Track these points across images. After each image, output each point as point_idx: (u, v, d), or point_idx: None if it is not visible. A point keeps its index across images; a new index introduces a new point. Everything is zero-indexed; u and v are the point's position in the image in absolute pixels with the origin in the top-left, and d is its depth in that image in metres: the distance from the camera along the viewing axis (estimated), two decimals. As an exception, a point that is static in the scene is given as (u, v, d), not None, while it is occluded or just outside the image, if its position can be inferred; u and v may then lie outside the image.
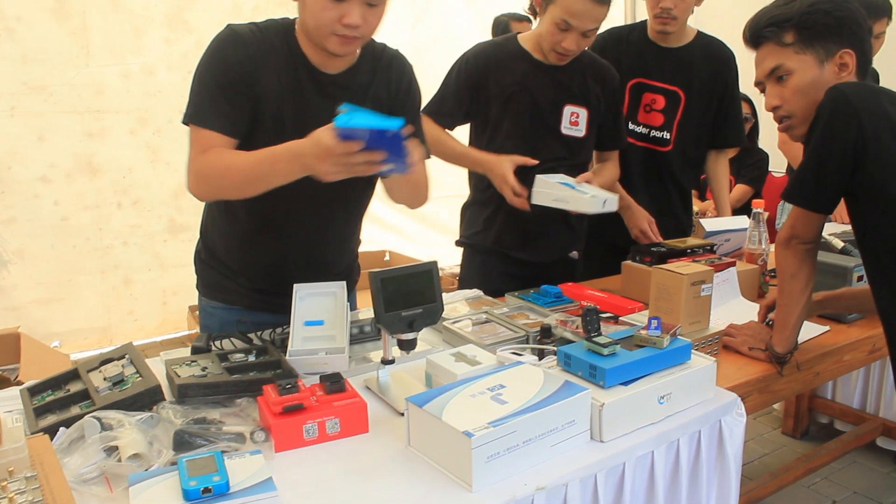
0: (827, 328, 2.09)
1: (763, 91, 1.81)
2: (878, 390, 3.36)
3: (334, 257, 2.05)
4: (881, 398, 3.34)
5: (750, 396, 1.77)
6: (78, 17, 4.06)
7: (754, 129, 4.52)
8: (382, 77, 1.90)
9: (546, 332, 1.81)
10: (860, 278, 2.27)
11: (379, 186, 1.94)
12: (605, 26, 2.93)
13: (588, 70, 2.45)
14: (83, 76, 4.12)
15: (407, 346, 1.61)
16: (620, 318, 1.98)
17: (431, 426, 1.34)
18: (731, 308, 2.23)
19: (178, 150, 1.71)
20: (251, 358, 1.72)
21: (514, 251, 2.52)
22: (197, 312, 2.12)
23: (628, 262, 2.40)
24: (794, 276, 1.78)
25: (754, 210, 2.52)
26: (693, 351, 1.62)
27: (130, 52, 4.22)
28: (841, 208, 2.66)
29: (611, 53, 2.68)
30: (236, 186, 1.71)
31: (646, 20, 2.74)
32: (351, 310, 1.99)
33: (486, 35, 2.60)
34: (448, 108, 2.45)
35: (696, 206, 3.72)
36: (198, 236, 2.10)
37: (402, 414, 1.44)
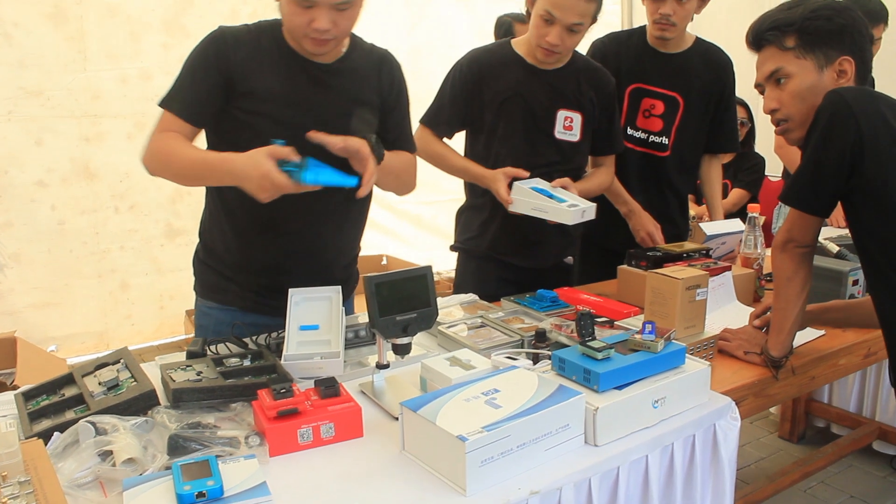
0: (822, 332, 2.09)
1: (763, 93, 1.82)
2: (874, 394, 3.36)
3: (332, 259, 2.06)
4: (877, 402, 3.34)
5: (745, 400, 1.77)
6: (75, 21, 4.07)
7: (750, 134, 4.53)
8: (374, 71, 1.96)
9: (541, 337, 1.81)
10: (855, 282, 2.28)
11: (376, 189, 1.95)
12: (602, 31, 2.95)
13: (582, 74, 2.45)
14: (80, 81, 4.12)
15: (401, 350, 1.61)
16: (616, 323, 1.98)
17: (426, 430, 1.34)
18: (727, 312, 2.23)
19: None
20: (246, 362, 1.72)
21: (509, 257, 2.52)
22: (194, 316, 2.12)
23: (624, 266, 2.41)
24: (790, 280, 1.79)
25: (750, 214, 2.53)
26: (687, 355, 1.62)
27: (127, 57, 4.23)
28: (836, 212, 2.66)
29: (610, 58, 2.69)
30: (176, 175, 1.85)
31: (644, 26, 2.75)
32: (347, 315, 1.99)
33: (483, 39, 2.60)
34: (444, 116, 2.46)
35: (693, 210, 3.72)
36: (195, 240, 2.11)
37: (397, 418, 1.44)
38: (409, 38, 5.20)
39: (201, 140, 1.93)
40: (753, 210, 2.55)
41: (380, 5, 5.04)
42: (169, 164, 1.83)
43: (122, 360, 1.67)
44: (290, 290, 1.84)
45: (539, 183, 2.28)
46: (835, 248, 2.46)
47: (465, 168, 2.43)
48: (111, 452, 1.31)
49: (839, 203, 1.70)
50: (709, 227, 2.67)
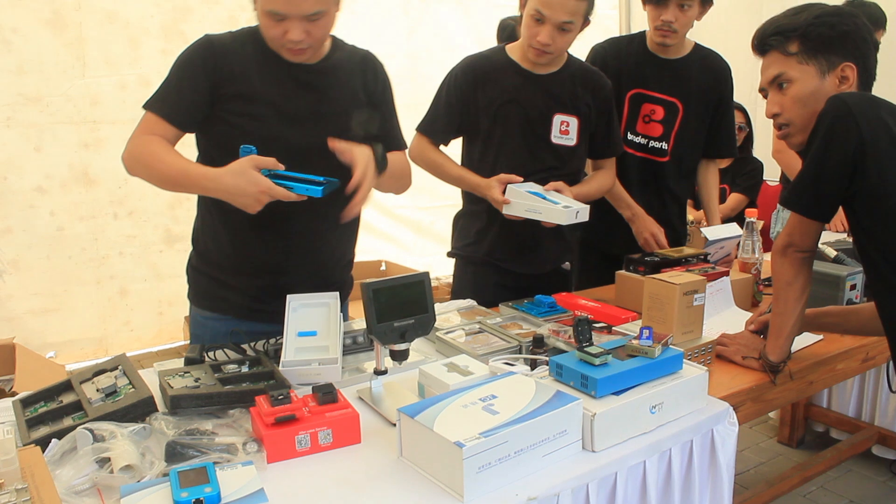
0: (820, 337, 2.09)
1: (766, 97, 1.82)
2: (873, 398, 3.36)
3: (329, 259, 2.06)
4: (876, 406, 3.34)
5: (743, 405, 1.77)
6: (74, 28, 4.08)
7: (748, 139, 4.54)
8: (358, 70, 2.01)
9: (538, 342, 1.81)
10: (853, 287, 2.28)
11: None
12: (600, 36, 2.95)
13: (578, 78, 2.46)
14: (79, 87, 4.13)
15: (399, 356, 1.62)
16: (614, 328, 1.98)
17: (423, 437, 1.34)
18: (725, 317, 2.23)
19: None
20: (244, 369, 1.72)
21: (506, 263, 2.52)
22: (188, 325, 2.12)
23: (622, 271, 2.41)
24: (790, 285, 1.79)
25: (747, 219, 2.53)
26: (685, 360, 1.62)
27: (126, 64, 4.23)
28: (835, 216, 2.67)
29: (611, 63, 2.70)
30: (156, 179, 1.88)
31: (644, 31, 2.76)
32: (343, 320, 1.99)
33: (481, 44, 2.60)
34: (440, 124, 2.46)
35: (691, 215, 3.73)
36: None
37: (395, 424, 1.44)
38: (408, 44, 5.22)
39: (189, 145, 1.95)
40: (751, 215, 2.55)
41: (378, 11, 5.06)
42: (150, 168, 1.86)
43: (120, 367, 1.67)
44: (287, 296, 1.84)
45: (533, 186, 2.28)
46: (833, 253, 2.46)
47: (461, 177, 2.44)
48: (109, 459, 1.31)
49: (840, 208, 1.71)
50: (710, 232, 2.68)
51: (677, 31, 2.61)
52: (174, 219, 4.51)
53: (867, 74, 1.74)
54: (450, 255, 2.65)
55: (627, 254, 2.47)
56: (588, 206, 2.27)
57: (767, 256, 2.60)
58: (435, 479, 1.32)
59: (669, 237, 2.79)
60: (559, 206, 2.21)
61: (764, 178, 4.57)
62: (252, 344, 1.90)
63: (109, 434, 1.36)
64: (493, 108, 2.40)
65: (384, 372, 1.66)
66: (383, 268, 5.20)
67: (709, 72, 2.78)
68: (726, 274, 2.33)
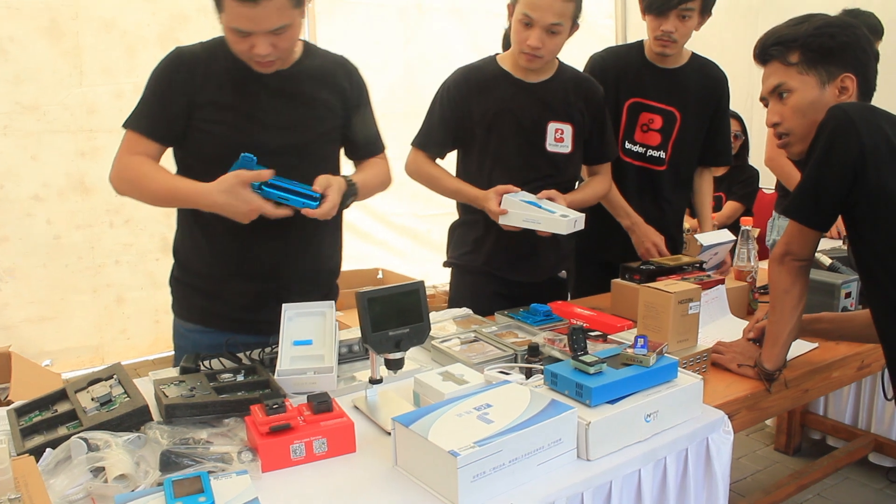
0: (815, 345, 2.10)
1: (767, 106, 1.84)
2: (869, 406, 3.36)
3: (310, 269, 2.06)
4: (873, 413, 3.34)
5: (738, 414, 1.77)
6: (71, 37, 4.09)
7: (744, 147, 4.55)
8: (332, 75, 2.02)
9: (534, 351, 1.81)
10: (848, 295, 2.28)
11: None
12: (596, 45, 2.96)
13: (570, 85, 2.46)
14: (76, 96, 4.14)
15: (394, 365, 1.62)
16: (609, 337, 1.98)
17: (418, 446, 1.34)
18: (721, 325, 2.23)
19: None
20: (240, 377, 1.72)
21: (504, 272, 2.51)
22: (172, 338, 2.11)
23: (617, 280, 2.41)
24: (786, 293, 1.79)
25: (742, 227, 2.54)
26: (680, 369, 1.62)
27: (123, 72, 4.24)
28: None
29: (610, 73, 2.71)
30: (147, 198, 1.93)
31: (643, 41, 2.77)
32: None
33: (478, 53, 2.61)
34: (436, 138, 2.47)
35: (687, 222, 3.73)
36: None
37: (390, 433, 1.44)
38: (404, 53, 5.23)
39: (166, 155, 1.97)
40: (746, 223, 2.56)
41: (375, 20, 5.08)
42: (140, 188, 1.91)
43: (115, 376, 1.67)
44: (283, 304, 1.84)
45: (526, 195, 2.28)
46: (828, 261, 2.46)
47: (459, 190, 2.44)
48: (103, 468, 1.30)
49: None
50: (704, 238, 2.69)
51: (677, 41, 2.61)
52: (171, 227, 4.42)
53: (867, 85, 1.75)
54: (446, 264, 2.64)
55: (623, 262, 2.47)
56: (584, 215, 2.27)
57: (763, 264, 2.61)
58: (430, 487, 1.32)
59: (667, 245, 2.79)
60: (557, 216, 2.21)
61: (760, 186, 4.58)
62: (247, 353, 1.90)
63: (104, 443, 1.36)
64: (487, 119, 2.40)
65: (379, 381, 1.66)
66: (380, 276, 5.20)
67: (706, 81, 2.79)
68: (722, 282, 2.33)
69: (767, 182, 4.52)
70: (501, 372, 1.69)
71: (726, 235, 2.71)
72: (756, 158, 4.57)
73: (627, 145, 2.76)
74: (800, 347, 2.05)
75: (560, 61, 2.48)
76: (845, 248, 2.61)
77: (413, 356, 1.91)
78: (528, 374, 1.73)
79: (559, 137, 2.44)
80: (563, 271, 2.67)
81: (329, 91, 2.00)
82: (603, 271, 2.69)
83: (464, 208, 2.55)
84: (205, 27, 4.27)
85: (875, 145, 1.58)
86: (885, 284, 1.66)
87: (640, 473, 1.48)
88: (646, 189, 2.81)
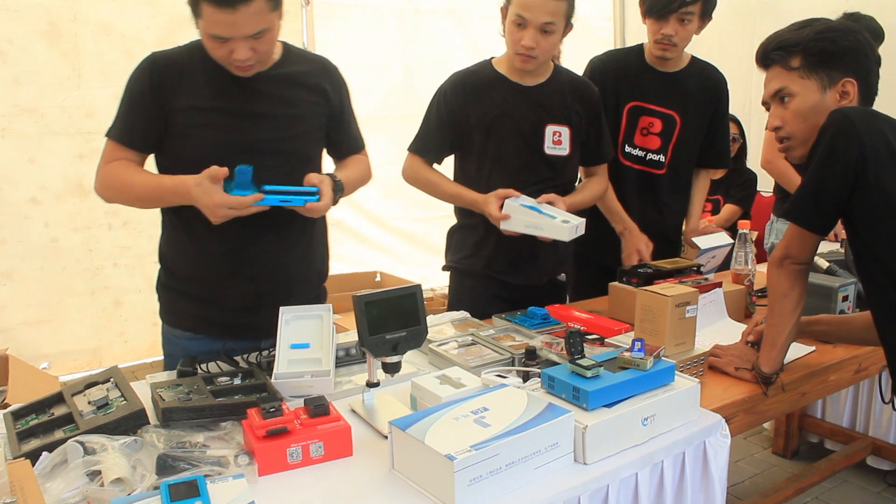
0: (813, 348, 2.10)
1: (768, 110, 1.84)
2: (867, 409, 3.36)
3: (295, 273, 2.05)
4: (871, 417, 3.34)
5: (736, 417, 1.77)
6: (70, 39, 4.08)
7: (742, 150, 4.55)
8: (312, 75, 2.01)
9: (531, 355, 1.81)
10: (845, 298, 2.28)
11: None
12: (595, 49, 2.96)
13: (566, 87, 2.47)
14: (74, 98, 4.13)
15: (391, 368, 1.62)
16: (606, 340, 1.98)
17: (415, 449, 1.34)
18: (718, 329, 2.23)
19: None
20: (237, 381, 1.72)
21: (504, 275, 2.51)
22: (161, 345, 2.11)
23: (615, 283, 2.41)
24: (785, 296, 1.80)
25: (740, 231, 2.54)
26: (677, 372, 1.62)
27: (122, 75, 4.13)
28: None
29: (610, 76, 2.72)
30: (134, 201, 1.96)
31: (642, 44, 2.77)
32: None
33: (477, 56, 2.61)
34: (433, 143, 2.47)
35: (686, 225, 3.73)
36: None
37: (387, 437, 1.44)
38: (402, 56, 5.23)
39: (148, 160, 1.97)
40: (744, 226, 2.56)
41: (372, 23, 5.07)
42: (125, 192, 1.92)
43: (111, 379, 1.67)
44: (280, 308, 1.84)
45: (527, 200, 2.28)
46: (825, 264, 2.47)
47: (458, 194, 2.43)
48: (100, 472, 1.30)
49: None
50: (701, 241, 2.69)
51: (677, 45, 2.62)
52: (168, 230, 4.50)
53: (868, 90, 1.75)
54: (445, 268, 2.64)
55: (621, 265, 2.47)
56: (584, 220, 2.28)
57: (760, 267, 2.61)
58: (426, 491, 1.32)
59: (665, 249, 2.79)
60: (559, 221, 2.20)
61: (758, 189, 4.58)
62: (245, 356, 1.89)
63: (100, 447, 1.36)
64: (485, 123, 2.40)
65: (376, 384, 1.66)
66: (378, 279, 5.19)
67: (706, 84, 2.80)
68: (719, 285, 2.33)
69: (765, 185, 4.52)
70: (499, 375, 1.69)
71: (723, 238, 2.71)
72: (754, 161, 4.56)
73: (627, 149, 2.76)
74: (797, 351, 2.05)
75: (555, 64, 2.49)
76: (842, 251, 2.62)
77: (410, 359, 1.91)
78: (526, 377, 1.73)
79: (557, 140, 2.44)
80: (563, 274, 2.67)
81: (310, 91, 2.00)
82: (601, 274, 2.69)
83: (462, 212, 2.55)
84: (203, 30, 4.30)
85: (876, 149, 1.58)
86: (885, 287, 1.66)
87: (637, 477, 1.48)
88: (645, 192, 2.81)
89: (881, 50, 1.90)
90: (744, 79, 4.46)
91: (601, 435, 1.44)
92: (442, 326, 2.21)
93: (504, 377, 1.69)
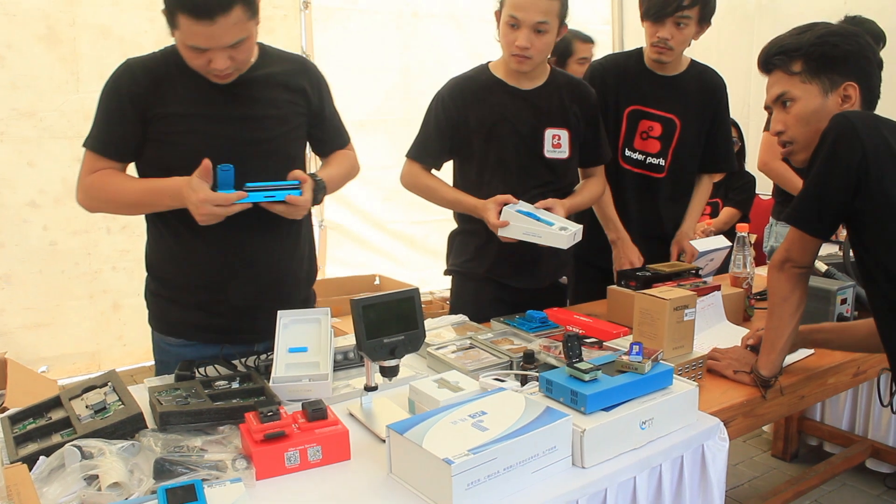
0: (811, 351, 2.10)
1: (771, 115, 1.84)
2: (866, 412, 3.36)
3: (283, 276, 2.04)
4: (870, 420, 3.34)
5: (734, 420, 1.77)
6: (68, 43, 4.09)
7: (741, 153, 4.55)
8: (290, 75, 2.00)
9: (529, 358, 1.81)
10: (843, 301, 2.28)
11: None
12: (595, 52, 2.96)
13: (564, 91, 2.47)
14: (73, 102, 4.13)
15: (389, 372, 1.61)
16: (605, 343, 1.98)
17: (412, 453, 1.34)
18: (717, 332, 2.23)
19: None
20: (235, 385, 1.72)
21: (507, 278, 2.51)
22: (153, 352, 2.10)
23: (613, 286, 2.41)
24: (785, 300, 1.80)
25: (738, 234, 2.54)
26: (675, 376, 1.62)
27: (120, 78, 4.23)
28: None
29: (610, 80, 2.72)
30: (124, 207, 1.98)
31: (642, 48, 2.77)
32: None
33: (475, 59, 2.61)
34: (432, 149, 2.46)
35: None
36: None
37: (385, 441, 1.43)
38: (401, 59, 5.23)
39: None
40: (742, 230, 2.56)
41: (371, 26, 5.08)
42: (115, 199, 1.91)
43: (109, 383, 1.67)
44: (279, 312, 1.83)
45: (525, 206, 2.27)
46: (823, 268, 2.47)
47: (457, 200, 2.43)
48: (97, 476, 1.30)
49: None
50: (699, 245, 2.68)
51: (673, 49, 2.62)
52: (167, 233, 4.50)
53: (870, 94, 1.75)
54: (447, 272, 2.63)
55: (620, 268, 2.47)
56: (581, 227, 2.27)
57: (759, 270, 2.61)
58: (424, 495, 1.32)
59: (664, 252, 2.79)
60: (556, 229, 2.20)
61: (756, 192, 4.59)
62: (243, 360, 1.89)
63: (98, 451, 1.36)
64: (484, 128, 2.39)
65: (374, 388, 1.65)
66: (377, 282, 5.20)
67: (705, 88, 2.79)
68: (718, 289, 2.33)
69: (764, 188, 4.53)
70: (497, 379, 1.69)
71: (722, 241, 2.71)
72: (752, 165, 4.57)
73: (627, 153, 2.76)
74: (796, 354, 2.05)
75: (552, 67, 2.49)
76: (841, 254, 2.62)
77: (408, 363, 1.91)
78: (524, 381, 1.73)
79: (557, 143, 2.44)
80: (564, 277, 2.67)
81: (289, 91, 1.99)
82: (601, 277, 2.70)
83: (462, 218, 2.55)
84: (202, 34, 4.30)
85: (877, 153, 1.59)
86: (886, 290, 1.66)
87: (636, 481, 1.48)
88: (645, 196, 2.81)
89: (883, 53, 1.90)
90: (742, 82, 4.47)
91: (599, 438, 1.44)
92: (440, 330, 2.21)
93: (502, 381, 1.69)
